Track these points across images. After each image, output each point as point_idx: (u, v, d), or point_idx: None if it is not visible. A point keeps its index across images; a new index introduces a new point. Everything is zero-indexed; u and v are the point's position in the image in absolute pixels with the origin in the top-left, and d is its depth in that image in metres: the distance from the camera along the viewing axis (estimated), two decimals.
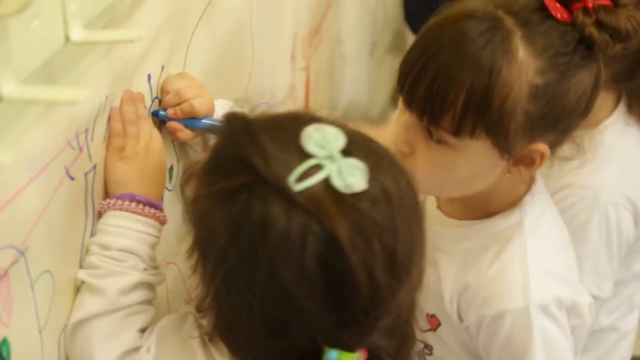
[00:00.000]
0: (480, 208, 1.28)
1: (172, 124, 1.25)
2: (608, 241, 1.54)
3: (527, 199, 1.28)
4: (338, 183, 0.93)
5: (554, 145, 1.24)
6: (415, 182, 1.01)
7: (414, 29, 2.27)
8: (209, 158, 1.00)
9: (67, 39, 0.98)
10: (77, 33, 1.00)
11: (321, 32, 1.84)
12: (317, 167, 0.94)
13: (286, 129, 0.97)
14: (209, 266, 0.98)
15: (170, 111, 1.24)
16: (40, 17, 0.92)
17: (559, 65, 1.18)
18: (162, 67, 1.23)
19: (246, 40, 1.47)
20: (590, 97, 1.22)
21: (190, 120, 1.25)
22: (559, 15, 1.18)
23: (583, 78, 1.20)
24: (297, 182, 0.93)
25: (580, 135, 1.28)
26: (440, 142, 1.19)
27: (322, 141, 0.94)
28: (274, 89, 1.62)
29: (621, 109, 1.58)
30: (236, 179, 0.95)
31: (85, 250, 1.12)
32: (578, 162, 1.32)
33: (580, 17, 1.18)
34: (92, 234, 1.13)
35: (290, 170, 0.93)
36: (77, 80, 1.04)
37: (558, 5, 1.19)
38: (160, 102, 1.25)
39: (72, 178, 1.06)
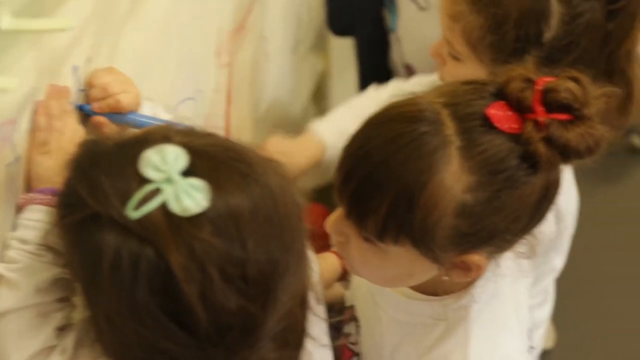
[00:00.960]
0: (430, 285, 1.24)
1: (98, 119, 1.23)
2: None
3: (480, 283, 1.22)
4: (175, 207, 0.91)
5: (494, 254, 1.18)
6: (289, 191, 0.97)
7: (333, 29, 2.28)
8: (60, 190, 1.00)
9: None
10: (5, 21, 0.97)
11: (245, 28, 1.83)
12: (156, 192, 0.92)
13: (128, 154, 0.94)
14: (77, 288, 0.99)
15: (95, 105, 1.22)
16: None
17: (495, 182, 1.10)
18: (89, 59, 1.21)
19: (173, 35, 1.45)
20: (535, 213, 1.14)
21: (116, 115, 1.23)
22: (506, 127, 1.09)
23: (523, 196, 1.11)
24: (135, 210, 0.91)
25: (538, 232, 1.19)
26: (368, 240, 1.16)
27: (160, 163, 0.93)
28: (200, 85, 1.60)
29: None
30: (74, 214, 0.95)
31: (5, 245, 1.10)
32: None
33: (529, 130, 1.09)
34: (13, 228, 1.11)
35: (128, 197, 0.91)
36: (3, 70, 1.01)
37: (508, 113, 1.10)
38: (86, 95, 1.23)
39: None
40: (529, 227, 1.16)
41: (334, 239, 1.21)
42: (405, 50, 1.96)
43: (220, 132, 1.74)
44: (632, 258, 2.69)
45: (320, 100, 2.49)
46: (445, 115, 1.11)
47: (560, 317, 2.05)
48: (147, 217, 0.91)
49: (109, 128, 1.24)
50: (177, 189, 0.91)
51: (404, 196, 1.09)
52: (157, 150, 0.93)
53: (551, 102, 1.09)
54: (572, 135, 1.08)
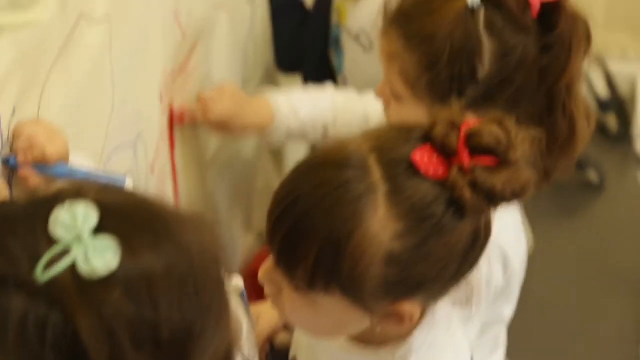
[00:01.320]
0: (368, 336, 1.21)
1: (24, 172, 1.18)
2: None
3: (417, 332, 1.20)
4: (83, 268, 0.87)
5: (427, 302, 1.17)
6: (210, 249, 0.94)
7: (281, 66, 2.25)
8: None
9: None
10: None
11: (187, 70, 1.79)
12: (65, 252, 0.88)
13: (39, 212, 0.90)
14: None
15: (21, 157, 1.18)
16: None
17: (422, 229, 1.08)
18: (14, 109, 1.17)
19: (106, 81, 1.40)
20: (465, 259, 1.13)
21: (43, 166, 1.18)
22: (431, 172, 1.08)
23: (451, 242, 1.10)
24: (44, 272, 0.87)
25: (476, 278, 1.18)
26: (299, 289, 1.14)
27: (70, 222, 0.88)
28: (142, 131, 1.56)
29: None
30: None
31: None
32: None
33: (454, 175, 1.08)
34: None
35: (37, 259, 0.87)
36: None
37: (434, 158, 1.09)
38: (10, 147, 1.18)
39: None
40: (460, 275, 1.15)
41: (267, 289, 1.19)
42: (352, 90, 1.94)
43: (167, 178, 1.73)
44: (588, 295, 2.67)
45: None
46: (372, 160, 1.10)
47: None
48: (55, 280, 0.87)
49: (36, 181, 1.19)
50: (86, 249, 0.87)
51: (331, 245, 1.09)
52: (68, 208, 0.89)
53: (476, 146, 1.08)
54: (497, 180, 1.07)
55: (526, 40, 1.40)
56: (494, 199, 1.08)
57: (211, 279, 0.94)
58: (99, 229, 0.88)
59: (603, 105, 3.34)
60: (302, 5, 2.20)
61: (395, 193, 1.08)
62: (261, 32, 2.18)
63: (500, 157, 1.08)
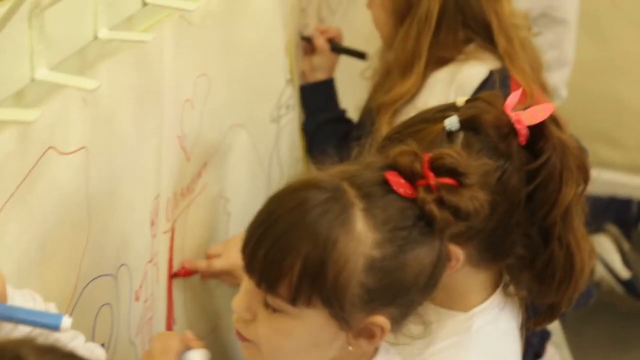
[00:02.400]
0: None
1: None
2: None
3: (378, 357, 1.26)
4: None
5: (395, 320, 1.23)
6: None
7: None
8: None
9: None
10: None
11: (194, 191, 1.72)
12: None
13: None
14: None
15: None
16: None
17: (398, 239, 1.19)
18: None
19: (80, 213, 1.34)
20: (432, 275, 1.23)
21: None
22: (401, 191, 1.20)
23: (422, 254, 1.21)
24: None
25: (427, 314, 1.28)
26: (277, 310, 1.19)
27: None
28: (128, 259, 1.49)
29: (499, 293, 1.46)
30: None
31: None
32: (424, 342, 1.31)
33: (422, 193, 1.19)
34: None
35: None
36: None
37: (402, 181, 1.20)
38: None
39: None
40: (428, 288, 1.24)
41: (240, 318, 1.23)
42: None
43: (159, 304, 1.65)
44: None
45: None
46: (345, 185, 1.20)
47: None
48: None
49: None
50: None
51: (315, 256, 1.16)
52: None
53: (439, 167, 1.20)
54: (460, 198, 1.19)
55: (506, 166, 1.36)
56: (459, 214, 1.19)
57: None
58: None
59: None
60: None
61: (371, 207, 1.19)
62: (289, 149, 2.12)
63: (459, 179, 1.20)
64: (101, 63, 1.36)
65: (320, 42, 2.18)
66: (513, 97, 1.41)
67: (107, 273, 1.45)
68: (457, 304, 1.43)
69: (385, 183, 1.20)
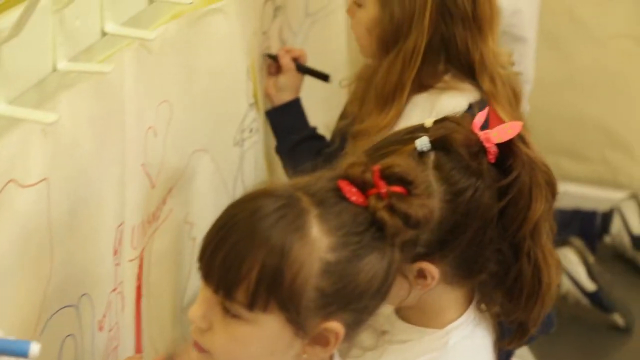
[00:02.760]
0: None
1: None
2: None
3: None
4: None
5: (349, 327, 1.25)
6: None
7: None
8: None
9: None
10: None
11: (159, 218, 1.72)
12: None
13: None
14: None
15: None
16: None
17: (351, 244, 1.22)
18: None
19: (42, 245, 1.34)
20: (384, 281, 1.25)
21: None
22: (353, 199, 1.23)
23: (374, 260, 1.23)
24: None
25: (380, 324, 1.31)
26: (235, 316, 1.21)
27: None
28: (88, 290, 1.48)
29: (473, 308, 1.48)
30: None
31: None
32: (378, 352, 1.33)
33: (373, 201, 1.23)
34: None
35: None
36: None
37: (354, 189, 1.23)
38: None
39: None
40: (380, 295, 1.26)
41: (197, 328, 1.24)
42: None
43: (125, 332, 1.65)
44: None
45: None
46: (300, 193, 1.24)
47: None
48: None
49: None
50: None
51: (272, 260, 1.19)
52: None
53: (389, 176, 1.24)
54: (410, 206, 1.23)
55: (478, 184, 1.38)
56: (409, 221, 1.23)
57: None
58: None
59: (637, 242, 3.20)
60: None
61: (325, 213, 1.22)
62: (253, 172, 2.12)
63: (408, 188, 1.24)
64: (61, 94, 1.36)
65: (286, 61, 2.17)
66: (480, 117, 1.43)
67: (69, 304, 1.45)
68: (433, 321, 1.45)
69: (339, 191, 1.24)
